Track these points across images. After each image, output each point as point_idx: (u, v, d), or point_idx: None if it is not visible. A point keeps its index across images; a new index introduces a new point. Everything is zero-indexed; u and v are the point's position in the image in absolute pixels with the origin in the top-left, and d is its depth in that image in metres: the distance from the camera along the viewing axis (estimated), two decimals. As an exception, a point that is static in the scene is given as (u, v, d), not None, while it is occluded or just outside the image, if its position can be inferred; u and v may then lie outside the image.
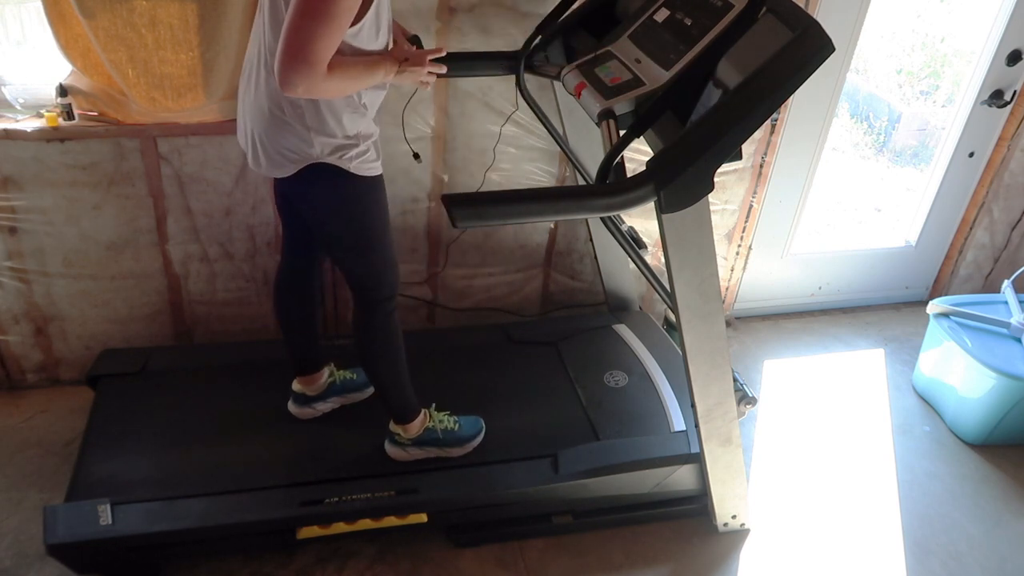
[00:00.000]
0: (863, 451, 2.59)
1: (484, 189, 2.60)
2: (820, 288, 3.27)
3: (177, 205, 2.36)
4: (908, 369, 2.99)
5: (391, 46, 1.73)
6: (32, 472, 2.23)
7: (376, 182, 1.81)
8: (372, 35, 1.62)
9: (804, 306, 3.30)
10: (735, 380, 1.95)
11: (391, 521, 2.00)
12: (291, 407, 2.25)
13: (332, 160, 1.70)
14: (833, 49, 1.47)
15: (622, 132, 1.55)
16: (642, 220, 2.73)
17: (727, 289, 3.11)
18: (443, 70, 1.78)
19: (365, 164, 1.75)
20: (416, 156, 2.07)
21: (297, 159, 1.70)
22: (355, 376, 2.31)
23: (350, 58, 1.58)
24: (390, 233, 1.90)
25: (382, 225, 1.87)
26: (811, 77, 1.49)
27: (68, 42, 2.08)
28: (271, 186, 2.39)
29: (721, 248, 2.98)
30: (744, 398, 1.97)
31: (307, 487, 2.01)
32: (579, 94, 1.72)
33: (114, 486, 1.97)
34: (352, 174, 1.74)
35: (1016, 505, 2.42)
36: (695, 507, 2.23)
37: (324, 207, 1.80)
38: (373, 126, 1.78)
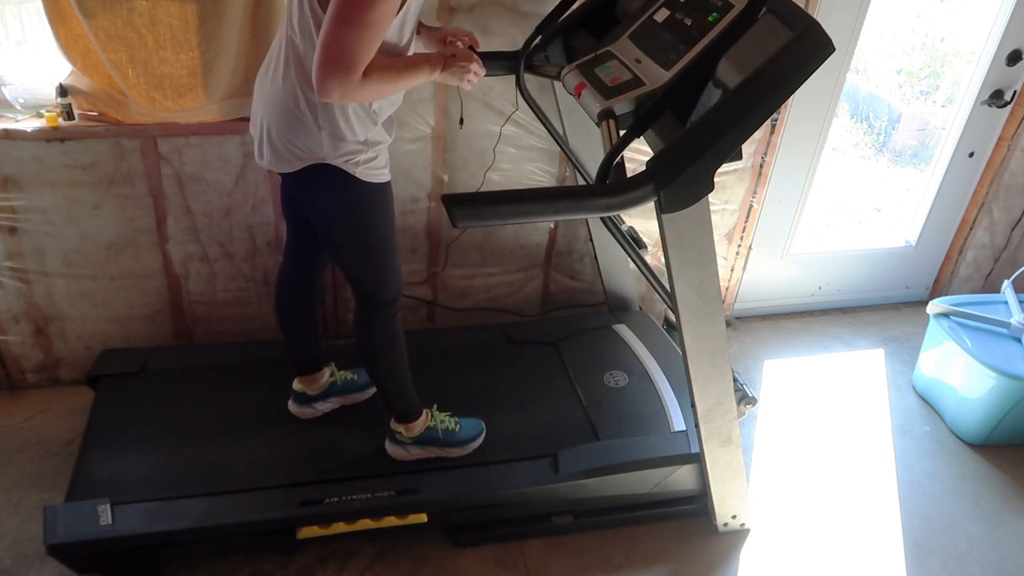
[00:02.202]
0: (863, 451, 2.59)
1: (484, 189, 2.60)
2: (820, 288, 3.27)
3: (177, 205, 2.36)
4: (908, 369, 2.99)
5: (412, 44, 1.72)
6: (32, 472, 2.23)
7: (383, 189, 1.81)
8: (395, 32, 1.61)
9: (804, 306, 3.30)
10: (735, 380, 1.95)
11: (391, 521, 2.00)
12: (291, 407, 2.25)
13: (339, 163, 1.70)
14: (833, 49, 1.47)
15: (622, 132, 1.55)
16: (642, 220, 2.73)
17: (727, 289, 3.11)
18: (484, 70, 1.77)
19: (372, 170, 1.75)
20: (461, 122, 2.24)
21: (304, 156, 1.70)
22: (356, 377, 2.31)
23: (387, 60, 1.57)
24: (395, 239, 1.90)
25: (387, 231, 1.86)
26: (811, 77, 1.48)
27: (68, 42, 2.08)
28: (271, 186, 2.39)
29: (721, 248, 2.98)
30: (744, 398, 1.97)
31: (307, 487, 2.01)
32: (579, 94, 1.72)
33: (114, 486, 1.97)
34: (359, 179, 1.73)
35: (1016, 505, 2.42)
36: (695, 507, 2.23)
37: (329, 210, 1.80)
38: (384, 134, 1.78)
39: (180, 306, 2.54)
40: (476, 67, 1.74)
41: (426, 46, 1.92)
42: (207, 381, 2.36)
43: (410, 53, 1.72)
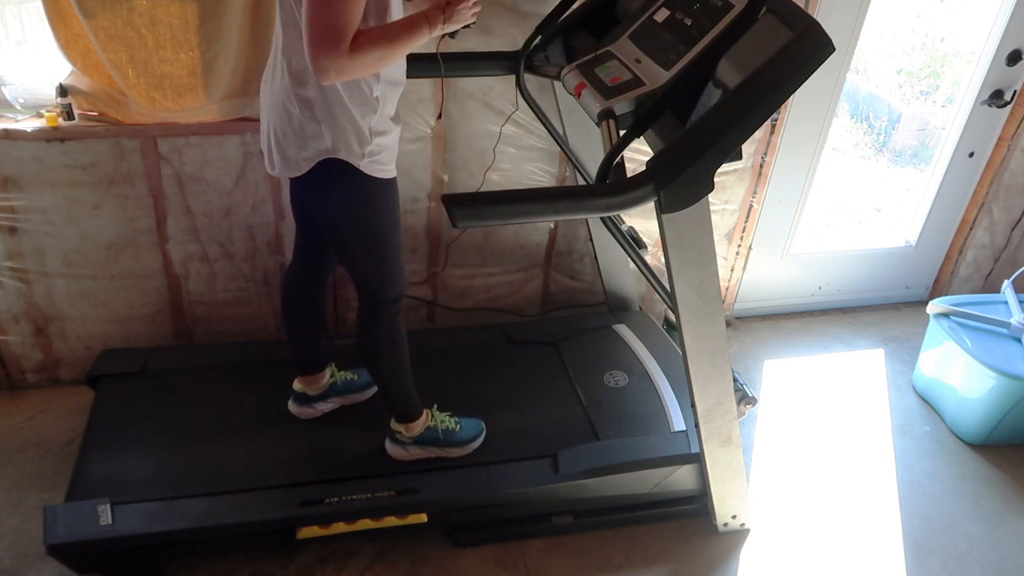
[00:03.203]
0: (863, 451, 2.59)
1: (484, 189, 2.60)
2: (820, 288, 3.27)
3: (177, 205, 2.36)
4: (908, 369, 2.99)
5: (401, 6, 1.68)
6: (32, 472, 2.23)
7: (388, 185, 1.80)
8: None
9: (804, 306, 3.30)
10: (735, 380, 1.95)
11: (391, 521, 2.01)
12: (291, 407, 2.25)
13: (343, 156, 1.69)
14: (833, 49, 1.47)
15: (622, 132, 1.55)
16: (642, 220, 2.73)
17: (727, 289, 3.11)
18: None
19: (378, 165, 1.74)
20: (439, 116, 2.20)
21: (310, 155, 1.69)
22: (356, 377, 2.31)
23: (379, 28, 1.56)
24: (399, 237, 1.89)
25: (391, 229, 1.86)
26: (811, 77, 1.49)
27: (68, 42, 2.08)
28: (271, 186, 2.39)
29: (721, 248, 2.98)
30: (744, 398, 1.97)
31: (307, 487, 2.01)
32: (579, 94, 1.72)
33: (114, 486, 1.97)
34: (364, 174, 1.73)
35: (1016, 505, 2.42)
36: (695, 507, 2.23)
37: (334, 206, 1.79)
38: (388, 123, 1.75)
39: (180, 306, 2.54)
40: (475, 2, 1.68)
41: (419, 6, 1.88)
42: (207, 381, 2.36)
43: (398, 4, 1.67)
